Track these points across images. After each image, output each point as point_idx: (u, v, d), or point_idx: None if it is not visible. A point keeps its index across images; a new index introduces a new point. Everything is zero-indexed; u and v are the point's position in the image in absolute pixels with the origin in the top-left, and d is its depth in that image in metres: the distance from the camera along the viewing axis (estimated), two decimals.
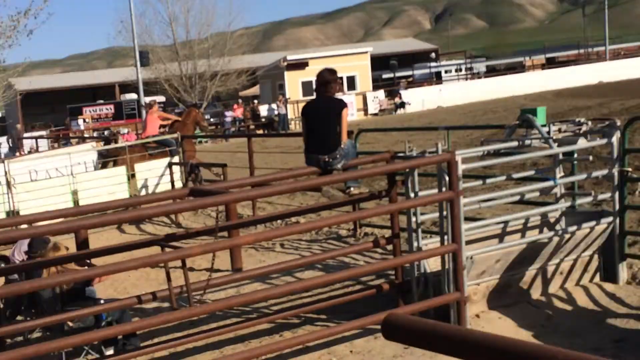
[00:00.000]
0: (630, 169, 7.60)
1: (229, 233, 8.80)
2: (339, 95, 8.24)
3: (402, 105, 42.87)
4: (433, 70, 66.53)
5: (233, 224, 8.80)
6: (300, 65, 41.32)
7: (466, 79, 59.85)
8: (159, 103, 48.35)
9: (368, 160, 8.49)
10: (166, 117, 17.99)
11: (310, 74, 38.54)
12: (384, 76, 60.85)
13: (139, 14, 40.71)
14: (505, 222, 7.50)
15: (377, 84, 51.67)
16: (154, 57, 40.41)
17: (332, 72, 8.11)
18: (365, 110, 42.79)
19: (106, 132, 38.46)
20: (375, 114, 42.73)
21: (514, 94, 44.08)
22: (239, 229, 9.03)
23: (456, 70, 67.79)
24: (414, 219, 6.94)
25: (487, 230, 7.47)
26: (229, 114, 40.79)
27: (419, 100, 43.44)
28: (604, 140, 7.46)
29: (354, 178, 7.74)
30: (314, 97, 8.23)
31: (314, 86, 8.35)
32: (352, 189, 8.21)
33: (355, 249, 8.98)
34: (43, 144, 32.70)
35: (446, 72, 68.58)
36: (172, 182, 13.29)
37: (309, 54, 48.32)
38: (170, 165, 13.46)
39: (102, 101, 55.70)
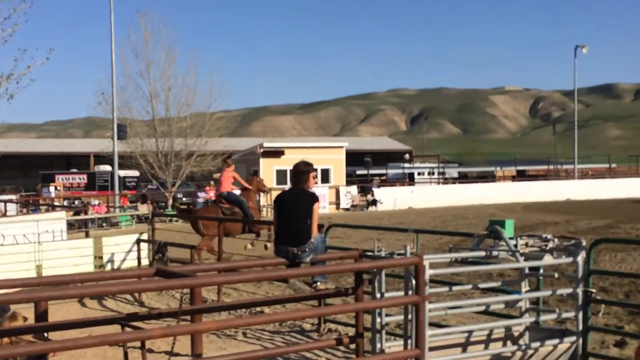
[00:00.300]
0: (594, 290, 7.70)
1: (192, 317, 8.67)
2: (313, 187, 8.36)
3: (374, 202, 43.23)
4: (406, 170, 67.51)
5: (197, 309, 8.68)
6: (276, 153, 41.71)
7: (438, 182, 60.70)
8: (133, 177, 48.44)
9: (336, 256, 8.53)
10: (238, 180, 18.70)
11: (285, 163, 38.88)
12: (358, 172, 61.54)
13: (120, 88, 41.14)
14: (470, 332, 7.50)
15: (350, 179, 52.21)
16: (131, 131, 40.60)
17: (308, 164, 8.26)
18: (337, 204, 43.04)
19: (77, 202, 38.17)
20: (347, 209, 42.97)
21: (484, 202, 44.73)
22: (202, 313, 8.91)
23: (429, 173, 68.88)
24: (378, 319, 6.92)
25: (451, 338, 7.46)
26: (201, 195, 40.76)
27: (390, 199, 43.85)
28: (570, 259, 7.58)
29: (321, 273, 7.74)
30: (288, 187, 8.34)
31: (288, 175, 8.47)
32: (318, 283, 8.21)
33: (318, 344, 8.90)
34: (12, 208, 32.28)
35: (419, 174, 69.65)
36: (139, 259, 13.17)
37: (285, 142, 48.90)
38: (138, 241, 13.37)
39: (75, 170, 55.51)
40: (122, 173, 45.19)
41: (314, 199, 8.06)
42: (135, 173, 47.36)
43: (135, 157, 40.95)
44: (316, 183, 8.61)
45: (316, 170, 8.78)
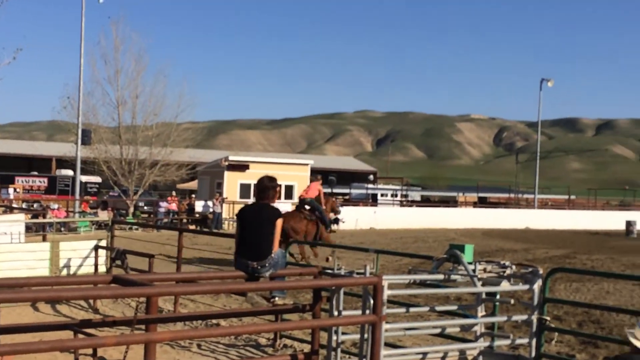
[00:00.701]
0: (548, 318, 7.80)
1: (147, 327, 8.59)
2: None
3: (336, 221, 43.19)
4: (370, 191, 67.78)
5: (152, 318, 8.60)
6: (241, 167, 41.60)
7: (401, 204, 61.01)
8: (95, 183, 47.89)
9: (296, 272, 8.52)
10: (320, 195, 20.75)
11: (249, 177, 38.79)
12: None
13: (87, 93, 40.77)
14: (425, 354, 7.54)
15: None
16: (96, 137, 40.21)
17: (272, 179, 8.29)
18: None
19: (36, 205, 37.61)
20: None
21: (445, 226, 45.07)
22: (157, 323, 8.82)
23: (392, 195, 69.22)
24: (334, 337, 6.93)
25: (406, 359, 7.48)
26: (163, 205, 40.45)
27: (353, 219, 43.94)
28: (526, 286, 7.68)
29: (279, 288, 7.74)
30: (251, 201, 8.35)
31: (252, 189, 8.49)
32: (276, 298, 8.20)
33: None
34: None
35: (382, 195, 69.96)
36: (96, 265, 13.01)
37: (251, 157, 48.80)
38: (96, 248, 13.21)
39: (36, 173, 54.73)
40: (84, 178, 44.66)
41: (278, 214, 8.09)
42: (98, 179, 46.87)
43: (98, 163, 40.54)
44: (278, 199, 8.64)
45: (280, 185, 8.82)
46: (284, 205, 39.51)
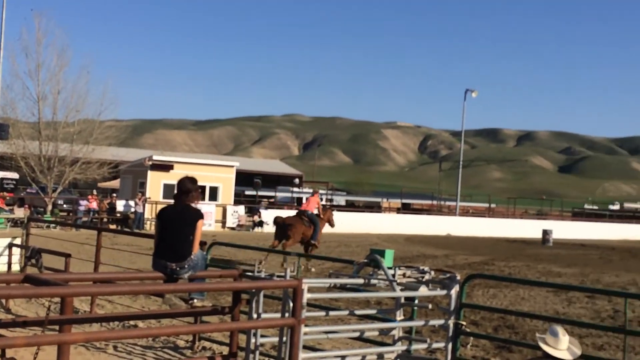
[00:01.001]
0: (464, 323, 7.93)
1: (61, 327, 8.36)
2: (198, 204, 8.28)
3: (261, 224, 43.17)
4: (295, 195, 67.84)
5: (65, 319, 8.37)
6: (165, 167, 41.01)
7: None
8: (12, 179, 46.41)
9: (216, 274, 8.43)
10: (319, 207, 23.96)
11: (174, 177, 38.19)
12: (247, 192, 61.36)
13: (5, 86, 39.56)
14: (343, 357, 7.57)
15: (239, 198, 51.96)
16: (14, 131, 38.97)
17: (193, 181, 8.21)
18: (224, 222, 42.72)
19: None
20: (233, 228, 42.70)
21: (369, 231, 45.48)
22: (72, 324, 8.59)
23: None
24: (253, 340, 6.89)
25: None
26: (83, 203, 39.51)
27: None
28: (444, 292, 7.80)
29: (198, 290, 7.65)
30: (172, 202, 8.24)
31: (175, 190, 8.36)
32: (195, 300, 8.10)
33: None
34: None
35: (307, 199, 70.11)
36: (10, 264, 12.59)
37: (175, 157, 48.19)
38: (10, 246, 12.79)
39: None
40: (1, 174, 43.29)
41: (199, 215, 8.01)
42: (15, 175, 45.40)
43: (16, 158, 39.34)
44: (202, 200, 8.56)
45: (200, 187, 8.73)
46: (208, 207, 39.20)
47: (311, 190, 28.90)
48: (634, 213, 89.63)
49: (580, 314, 15.95)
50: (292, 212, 48.67)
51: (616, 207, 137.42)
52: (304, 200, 68.41)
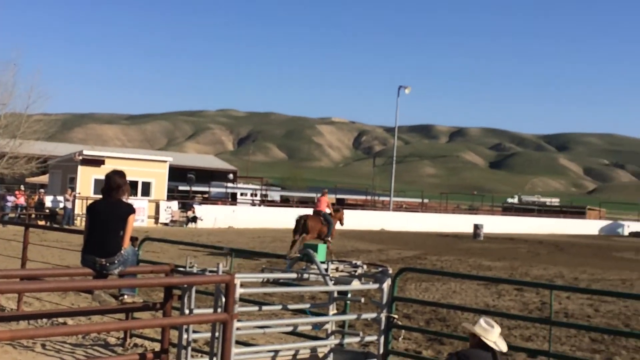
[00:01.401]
0: (396, 316, 8.01)
1: None
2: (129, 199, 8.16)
3: (194, 219, 42.79)
4: (229, 190, 67.42)
5: None
6: (96, 162, 40.18)
7: (260, 204, 61.08)
8: None
9: (147, 269, 8.32)
10: (329, 207, 27.35)
11: (105, 172, 37.49)
12: (181, 188, 60.70)
13: None
14: (276, 352, 7.56)
15: (172, 194, 51.33)
16: None
17: (122, 175, 8.08)
18: (157, 218, 42.16)
19: None
20: (166, 224, 42.19)
21: None
22: None
23: (252, 194, 69.20)
24: (185, 336, 6.82)
25: (257, 357, 7.47)
26: (10, 199, 38.41)
27: (211, 217, 43.59)
28: (376, 285, 7.86)
29: (129, 286, 7.54)
30: (102, 197, 8.10)
31: (104, 186, 8.21)
32: (126, 296, 7.97)
33: (121, 359, 8.60)
34: None
35: (242, 194, 69.79)
36: None
37: (107, 152, 47.27)
38: None
39: None
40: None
41: (130, 210, 7.89)
42: None
43: None
44: (134, 196, 8.44)
45: (136, 182, 8.59)
46: (141, 203, 38.63)
47: (321, 193, 30.98)
48: (560, 208, 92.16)
49: (509, 306, 16.32)
50: (226, 208, 48.72)
51: (514, 200, 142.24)
52: (248, 196, 68.64)
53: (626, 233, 65.75)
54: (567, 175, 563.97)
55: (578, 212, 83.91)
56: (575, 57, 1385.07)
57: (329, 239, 26.03)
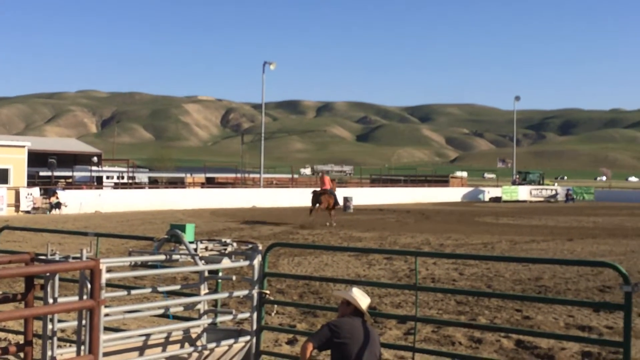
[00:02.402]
0: (268, 292, 8.03)
1: None
2: None
3: (58, 205, 41.21)
4: (94, 174, 65.36)
5: None
6: None
7: (128, 187, 59.57)
8: None
9: (5, 259, 7.93)
10: (330, 182, 35.89)
11: None
12: (42, 173, 58.27)
13: None
14: (147, 335, 7.42)
15: (33, 180, 49.17)
16: None
17: None
18: (17, 206, 40.29)
19: None
20: (28, 212, 40.42)
21: (174, 207, 44.92)
22: None
23: (118, 177, 67.40)
24: (50, 326, 6.56)
25: (128, 342, 7.31)
26: None
27: (77, 202, 42.13)
28: (247, 262, 7.85)
29: None
30: None
31: None
32: None
33: None
34: None
35: (108, 177, 67.84)
36: None
37: None
38: None
39: None
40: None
41: None
42: None
43: None
44: None
45: None
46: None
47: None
48: (425, 177, 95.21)
49: (380, 275, 16.78)
50: (92, 192, 47.22)
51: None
52: (114, 179, 66.85)
53: (487, 199, 68.99)
54: (431, 145, 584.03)
55: (442, 181, 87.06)
56: (434, 28, 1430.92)
57: (338, 205, 35.46)
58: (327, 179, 35.88)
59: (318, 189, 35.00)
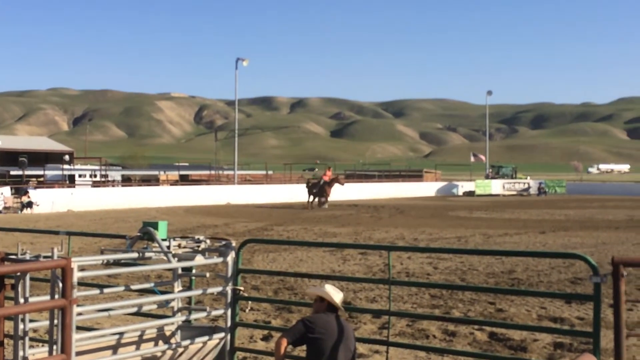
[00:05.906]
0: (242, 288, 8.02)
1: None
2: None
3: (30, 205, 40.79)
4: (66, 172, 64.78)
5: None
6: None
7: (102, 185, 59.11)
8: None
9: None
10: (331, 176, 45.03)
11: None
12: (13, 173, 57.63)
13: None
14: (121, 334, 7.38)
15: (4, 180, 48.62)
16: None
17: None
18: None
19: None
20: None
21: (148, 205, 44.69)
22: None
23: (91, 176, 66.86)
24: (21, 326, 6.50)
25: (101, 341, 7.26)
26: None
27: (48, 201, 41.75)
28: (220, 259, 7.83)
29: None
30: None
31: None
32: None
33: None
34: None
35: (80, 176, 67.26)
36: None
37: None
38: None
39: None
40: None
41: None
42: None
43: None
44: None
45: None
46: None
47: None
48: (399, 172, 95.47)
49: (354, 270, 16.83)
50: (64, 191, 46.79)
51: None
52: (87, 177, 66.29)
53: (460, 193, 69.40)
54: (405, 140, 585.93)
55: (416, 176, 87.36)
56: (407, 24, 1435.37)
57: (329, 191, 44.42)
58: (329, 172, 45.63)
59: (315, 180, 44.11)
